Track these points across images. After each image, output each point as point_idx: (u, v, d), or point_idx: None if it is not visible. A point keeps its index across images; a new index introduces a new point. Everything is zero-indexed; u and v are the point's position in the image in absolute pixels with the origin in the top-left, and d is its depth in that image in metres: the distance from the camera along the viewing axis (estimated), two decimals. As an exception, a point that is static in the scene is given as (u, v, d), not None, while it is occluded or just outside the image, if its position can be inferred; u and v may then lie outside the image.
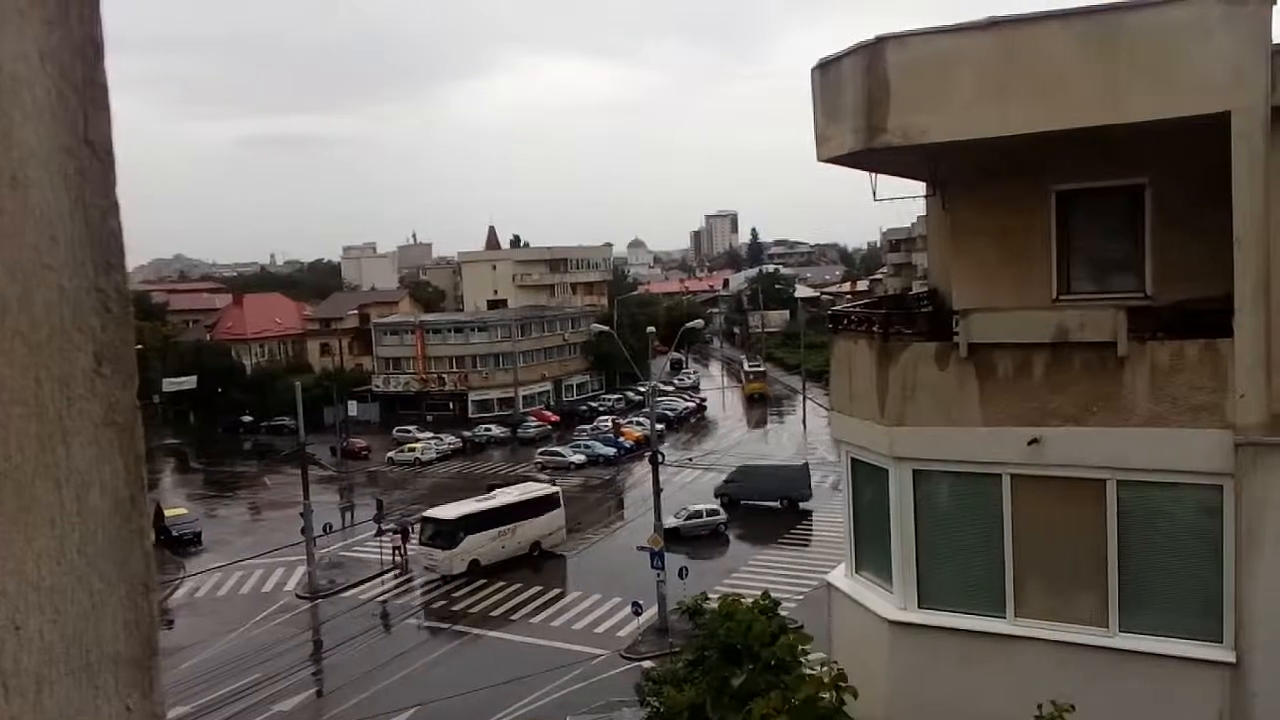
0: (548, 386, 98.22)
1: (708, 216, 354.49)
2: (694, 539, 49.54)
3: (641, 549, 39.53)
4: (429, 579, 46.56)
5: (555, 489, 52.91)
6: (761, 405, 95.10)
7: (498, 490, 52.72)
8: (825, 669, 10.58)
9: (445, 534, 46.60)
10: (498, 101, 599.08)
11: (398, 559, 48.82)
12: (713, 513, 51.81)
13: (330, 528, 51.35)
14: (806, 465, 58.21)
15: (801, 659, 14.51)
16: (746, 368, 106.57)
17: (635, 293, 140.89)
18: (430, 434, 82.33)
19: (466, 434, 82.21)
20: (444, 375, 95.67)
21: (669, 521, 48.03)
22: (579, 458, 71.46)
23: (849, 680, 9.88)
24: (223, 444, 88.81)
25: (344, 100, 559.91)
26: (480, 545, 47.04)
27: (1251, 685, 10.37)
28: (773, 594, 15.58)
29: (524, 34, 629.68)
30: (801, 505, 54.84)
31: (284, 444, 73.90)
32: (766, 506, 54.69)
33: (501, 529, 47.98)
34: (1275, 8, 9.74)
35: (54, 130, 1.02)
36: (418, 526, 49.25)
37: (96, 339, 1.06)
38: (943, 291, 14.85)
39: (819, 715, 10.05)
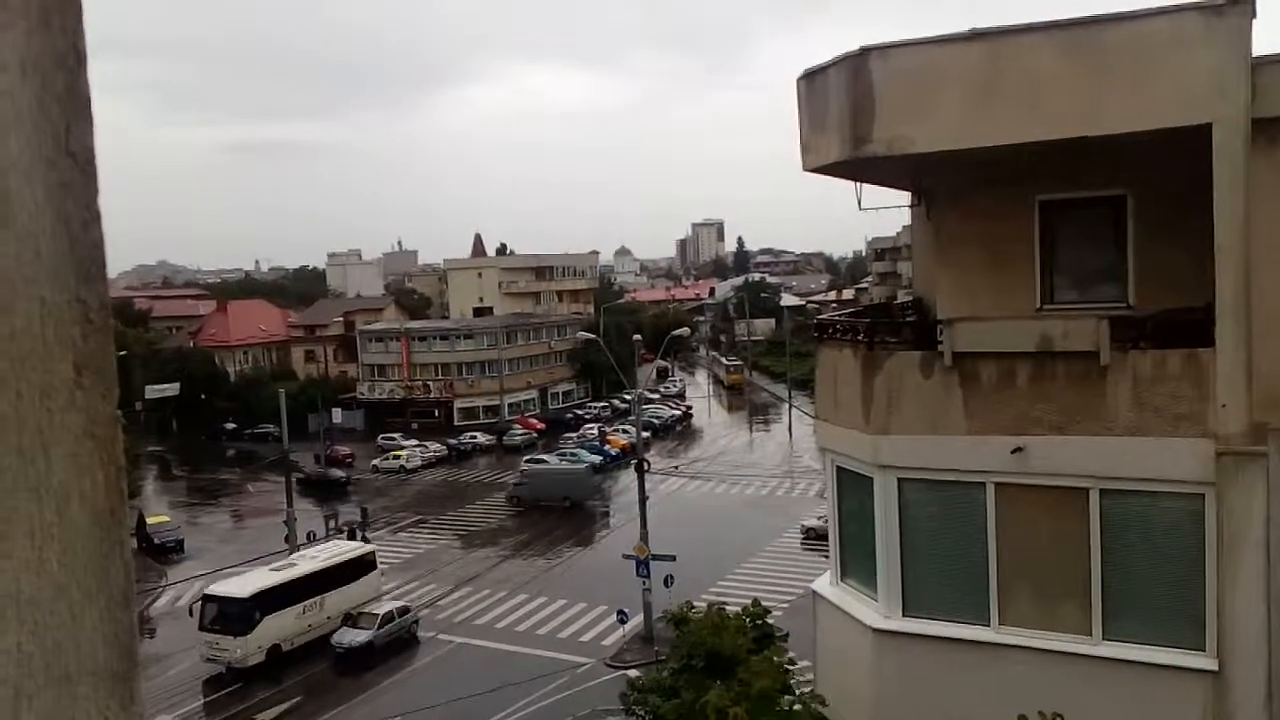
0: (534, 394, 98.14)
1: (694, 225, 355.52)
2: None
3: (627, 557, 39.44)
4: (420, 582, 46.21)
5: (370, 547, 44.71)
6: (740, 395, 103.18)
7: (299, 554, 43.56)
8: (769, 665, 10.61)
9: (235, 616, 36.83)
10: (484, 109, 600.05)
11: None
12: (403, 611, 40.77)
13: (314, 536, 51.03)
14: (590, 467, 63.28)
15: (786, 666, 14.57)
16: (725, 362, 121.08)
17: (621, 301, 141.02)
18: (415, 441, 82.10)
19: (452, 441, 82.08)
20: (429, 382, 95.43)
21: (359, 636, 38.46)
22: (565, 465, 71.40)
23: (841, 686, 9.91)
24: (206, 451, 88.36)
25: (329, 107, 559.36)
26: (281, 627, 38.01)
27: (1233, 693, 10.43)
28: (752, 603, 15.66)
29: (510, 43, 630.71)
30: (586, 505, 59.35)
31: (267, 451, 73.45)
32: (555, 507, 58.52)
33: (307, 603, 39.18)
34: (1255, 20, 9.84)
35: (36, 141, 1.01)
36: (198, 606, 38.33)
37: (77, 350, 1.05)
38: (927, 300, 14.91)
39: (776, 711, 10.11)
